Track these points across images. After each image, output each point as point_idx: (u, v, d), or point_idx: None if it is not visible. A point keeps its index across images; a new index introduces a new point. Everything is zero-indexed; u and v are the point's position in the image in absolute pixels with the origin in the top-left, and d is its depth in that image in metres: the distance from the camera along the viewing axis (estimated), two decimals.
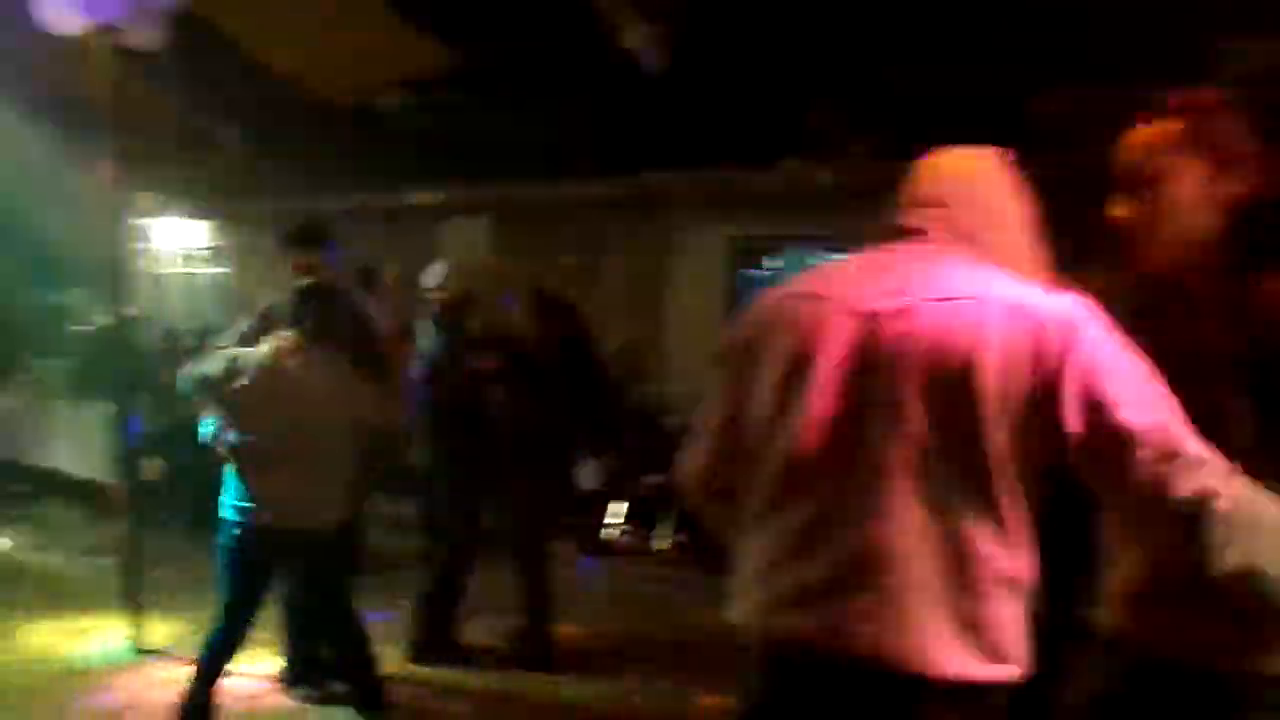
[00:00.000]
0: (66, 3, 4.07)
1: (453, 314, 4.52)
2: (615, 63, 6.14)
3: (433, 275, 4.59)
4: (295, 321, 3.49)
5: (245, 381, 3.36)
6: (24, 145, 7.37)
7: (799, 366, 1.50)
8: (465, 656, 4.49)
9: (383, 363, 4.05)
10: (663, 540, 6.38)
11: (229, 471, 3.49)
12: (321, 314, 3.52)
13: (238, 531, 3.42)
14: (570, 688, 4.31)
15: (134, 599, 4.58)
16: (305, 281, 3.63)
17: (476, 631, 4.67)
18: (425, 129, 7.33)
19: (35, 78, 7.18)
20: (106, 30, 4.25)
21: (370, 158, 7.52)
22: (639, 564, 6.30)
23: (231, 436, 3.43)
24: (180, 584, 5.28)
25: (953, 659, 1.37)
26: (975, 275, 1.47)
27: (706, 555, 5.43)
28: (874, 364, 1.44)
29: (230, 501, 3.46)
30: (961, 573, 1.38)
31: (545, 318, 4.78)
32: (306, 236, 4.08)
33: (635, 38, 6.04)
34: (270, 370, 3.39)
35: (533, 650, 4.46)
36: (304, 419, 3.42)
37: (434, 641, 4.46)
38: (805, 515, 1.47)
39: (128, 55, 4.54)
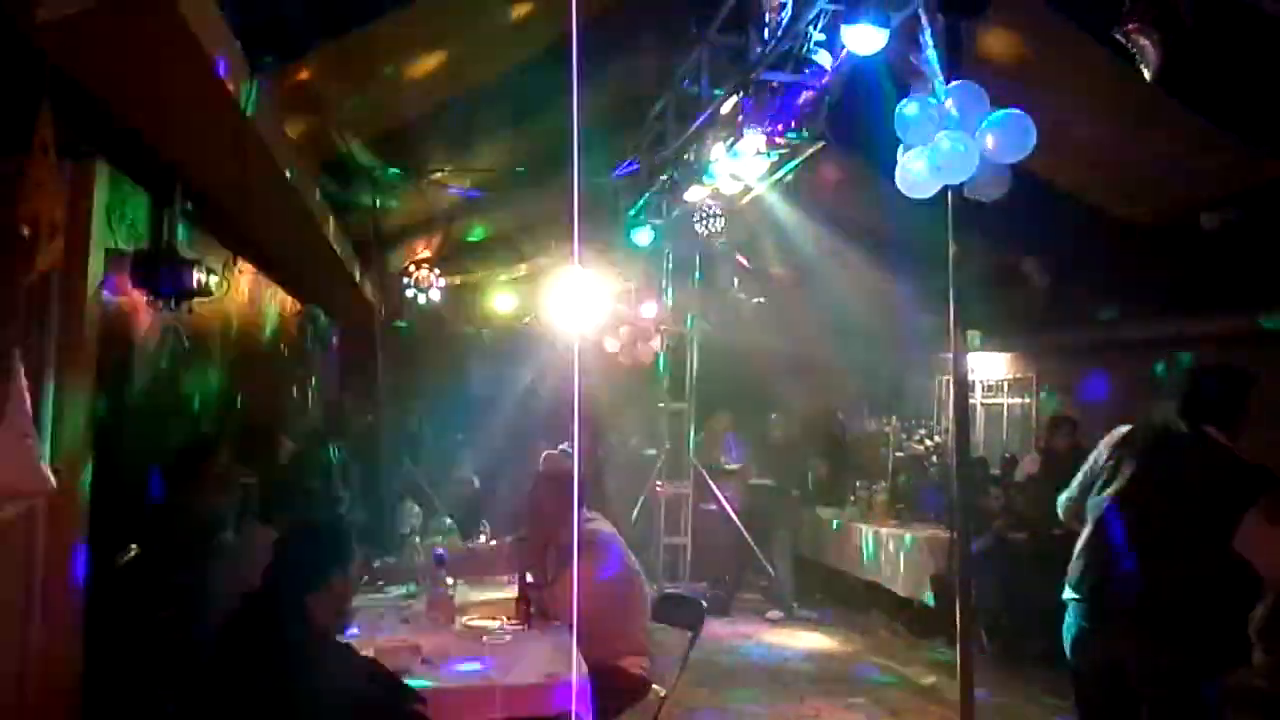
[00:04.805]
0: (925, 174, 4.55)
1: None
2: None
3: None
4: None
5: None
6: (864, 292, 8.49)
7: None
8: None
9: None
10: None
11: None
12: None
13: None
14: None
15: None
16: None
17: None
18: (1252, 245, 6.56)
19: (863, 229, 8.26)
20: (958, 190, 4.64)
21: (1186, 280, 6.99)
22: None
23: None
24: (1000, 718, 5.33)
25: None
26: None
27: None
28: None
29: None
30: None
31: None
32: None
33: None
34: None
35: None
36: None
37: None
38: None
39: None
